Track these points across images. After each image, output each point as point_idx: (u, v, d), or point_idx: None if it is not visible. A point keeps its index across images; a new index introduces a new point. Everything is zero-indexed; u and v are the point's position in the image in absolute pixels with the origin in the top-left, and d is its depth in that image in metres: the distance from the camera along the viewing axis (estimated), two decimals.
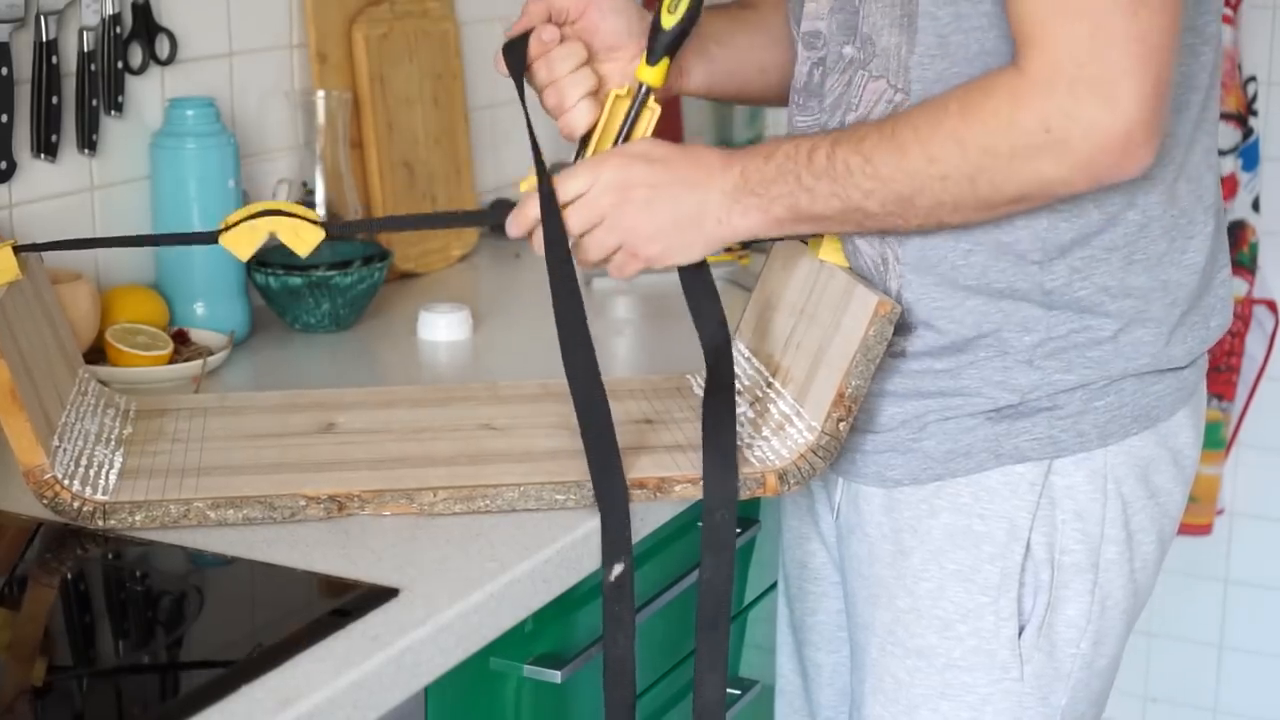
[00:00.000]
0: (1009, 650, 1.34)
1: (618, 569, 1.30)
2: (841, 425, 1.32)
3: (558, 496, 1.33)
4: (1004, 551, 1.33)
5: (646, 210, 1.33)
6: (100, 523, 1.29)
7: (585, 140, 1.41)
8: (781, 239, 1.41)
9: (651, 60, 1.40)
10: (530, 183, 1.38)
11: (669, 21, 1.38)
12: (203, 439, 1.45)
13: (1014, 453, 1.32)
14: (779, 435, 1.38)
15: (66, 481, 1.29)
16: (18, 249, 1.37)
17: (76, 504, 1.29)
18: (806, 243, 1.43)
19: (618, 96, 1.41)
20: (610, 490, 1.30)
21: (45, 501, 1.29)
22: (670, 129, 1.39)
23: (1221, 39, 1.37)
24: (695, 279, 1.37)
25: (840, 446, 1.33)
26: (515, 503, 1.33)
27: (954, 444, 1.33)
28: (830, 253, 1.39)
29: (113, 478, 1.34)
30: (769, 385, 1.44)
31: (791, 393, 1.40)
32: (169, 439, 1.44)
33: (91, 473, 1.33)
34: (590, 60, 1.42)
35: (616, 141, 1.40)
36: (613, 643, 1.31)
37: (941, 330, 1.32)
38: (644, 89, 1.40)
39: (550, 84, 1.41)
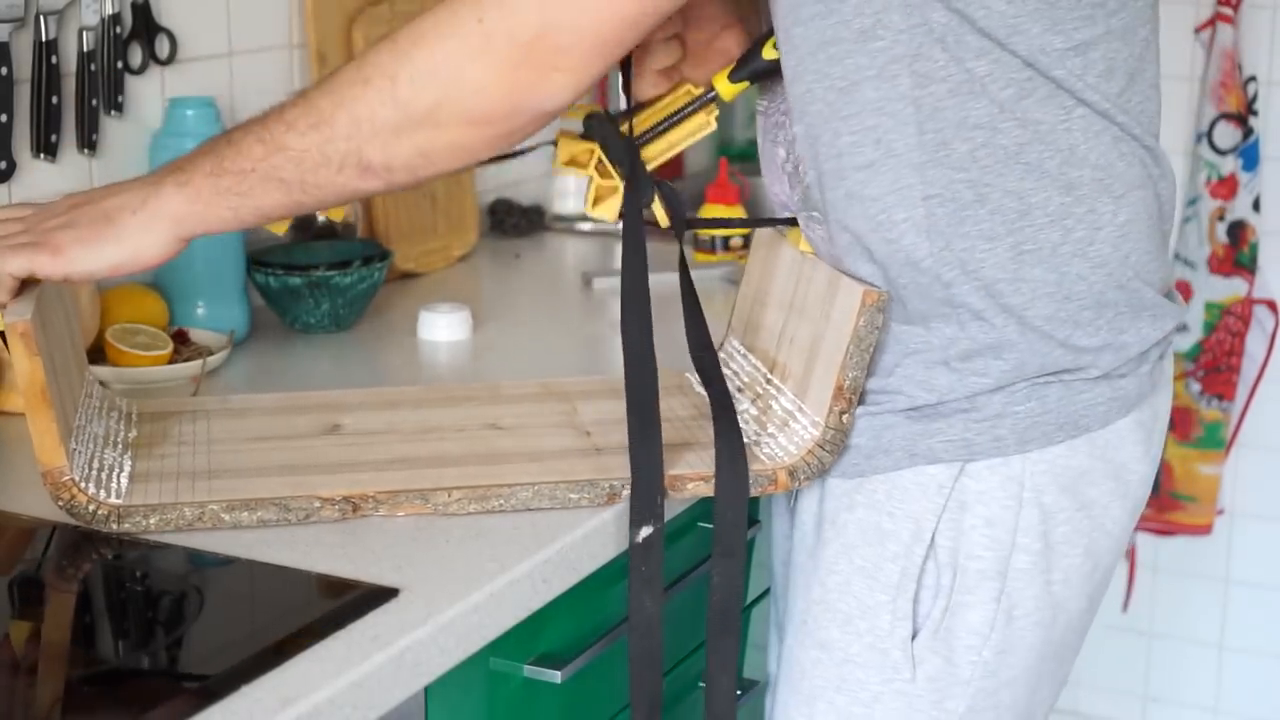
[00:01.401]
0: (901, 651, 1.33)
1: (646, 531, 1.30)
2: (844, 418, 1.32)
3: (572, 495, 1.33)
4: (906, 551, 1.32)
5: (66, 214, 1.31)
6: (115, 526, 1.29)
7: (636, 110, 1.41)
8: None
9: (734, 77, 1.40)
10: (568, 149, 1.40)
11: (770, 54, 1.37)
12: (209, 441, 1.44)
13: (927, 453, 1.31)
14: (785, 432, 1.38)
15: (83, 484, 1.29)
16: None
17: (92, 507, 1.28)
18: (785, 234, 1.43)
19: (689, 90, 1.41)
20: (646, 453, 1.30)
21: (61, 504, 1.28)
22: None
23: (1147, 29, 1.33)
24: (686, 292, 1.37)
25: (845, 438, 1.33)
26: (529, 502, 1.33)
27: (877, 441, 1.33)
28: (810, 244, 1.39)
29: (124, 481, 1.34)
30: (768, 381, 1.44)
31: (791, 388, 1.40)
32: (175, 442, 1.44)
33: (104, 476, 1.33)
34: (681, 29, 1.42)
35: (662, 123, 1.40)
36: (639, 604, 1.31)
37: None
38: (711, 94, 1.40)
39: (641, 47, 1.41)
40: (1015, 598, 1.32)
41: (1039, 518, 1.31)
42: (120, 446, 1.40)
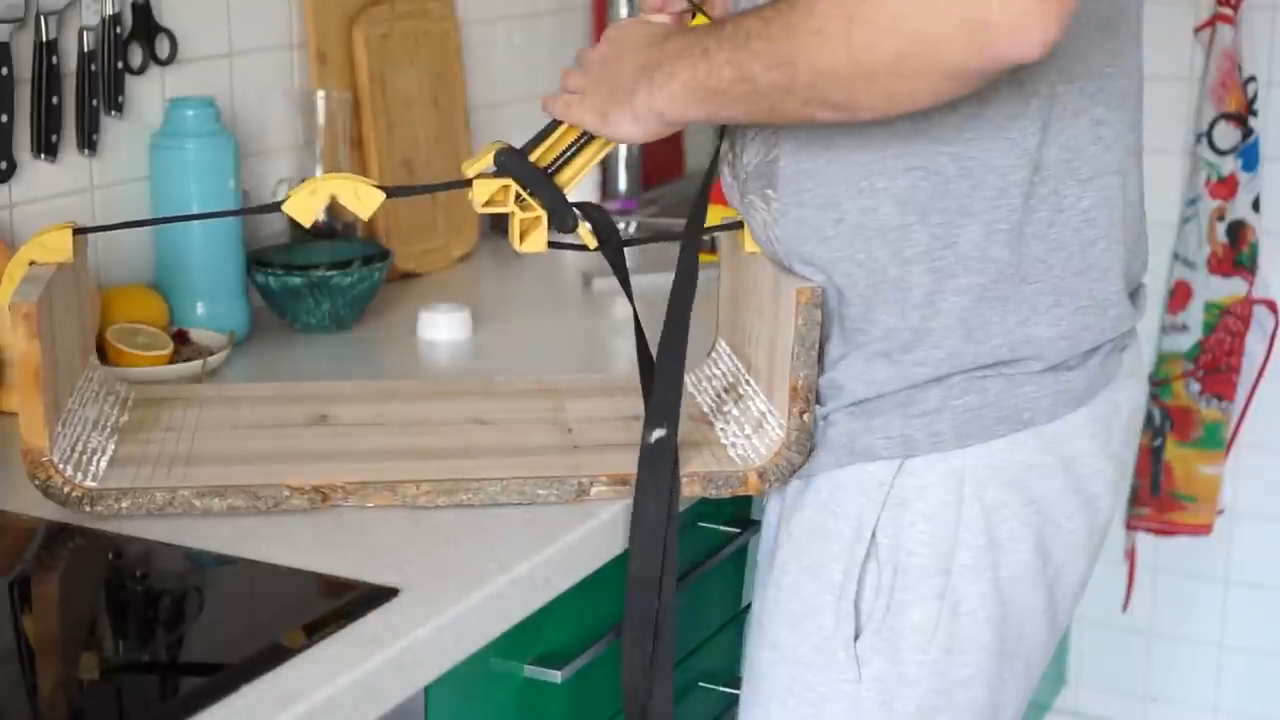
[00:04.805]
0: (845, 651, 1.32)
1: (659, 433, 1.30)
2: (805, 417, 1.33)
3: (540, 491, 1.34)
4: (849, 550, 1.31)
5: (594, 73, 1.36)
6: (87, 508, 1.30)
7: (548, 132, 1.42)
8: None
9: None
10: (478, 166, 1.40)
11: None
12: (196, 428, 1.46)
13: (867, 450, 1.31)
14: (758, 433, 1.39)
15: (61, 466, 1.30)
16: (78, 231, 1.38)
17: (66, 489, 1.30)
18: (736, 235, 1.44)
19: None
20: (670, 356, 1.31)
21: (37, 483, 1.30)
22: None
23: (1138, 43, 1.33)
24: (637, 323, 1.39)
25: (810, 437, 1.33)
26: (497, 496, 1.33)
27: (820, 437, 1.33)
28: (756, 244, 1.39)
29: (103, 465, 1.36)
30: (747, 382, 1.45)
31: (763, 389, 1.41)
32: (163, 428, 1.45)
33: (85, 459, 1.35)
34: None
35: (570, 147, 1.41)
36: (642, 515, 1.30)
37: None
38: None
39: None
40: (960, 594, 1.31)
41: (981, 513, 1.30)
42: (108, 431, 1.42)
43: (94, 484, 1.32)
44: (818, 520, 1.33)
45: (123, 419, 1.46)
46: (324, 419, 1.50)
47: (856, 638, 1.32)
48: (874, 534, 1.31)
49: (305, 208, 1.37)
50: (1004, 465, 1.30)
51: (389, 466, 1.36)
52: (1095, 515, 1.36)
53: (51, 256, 1.37)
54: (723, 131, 1.41)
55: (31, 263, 1.36)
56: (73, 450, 1.34)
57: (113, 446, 1.40)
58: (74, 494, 1.30)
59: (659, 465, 1.30)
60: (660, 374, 1.32)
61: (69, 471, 1.31)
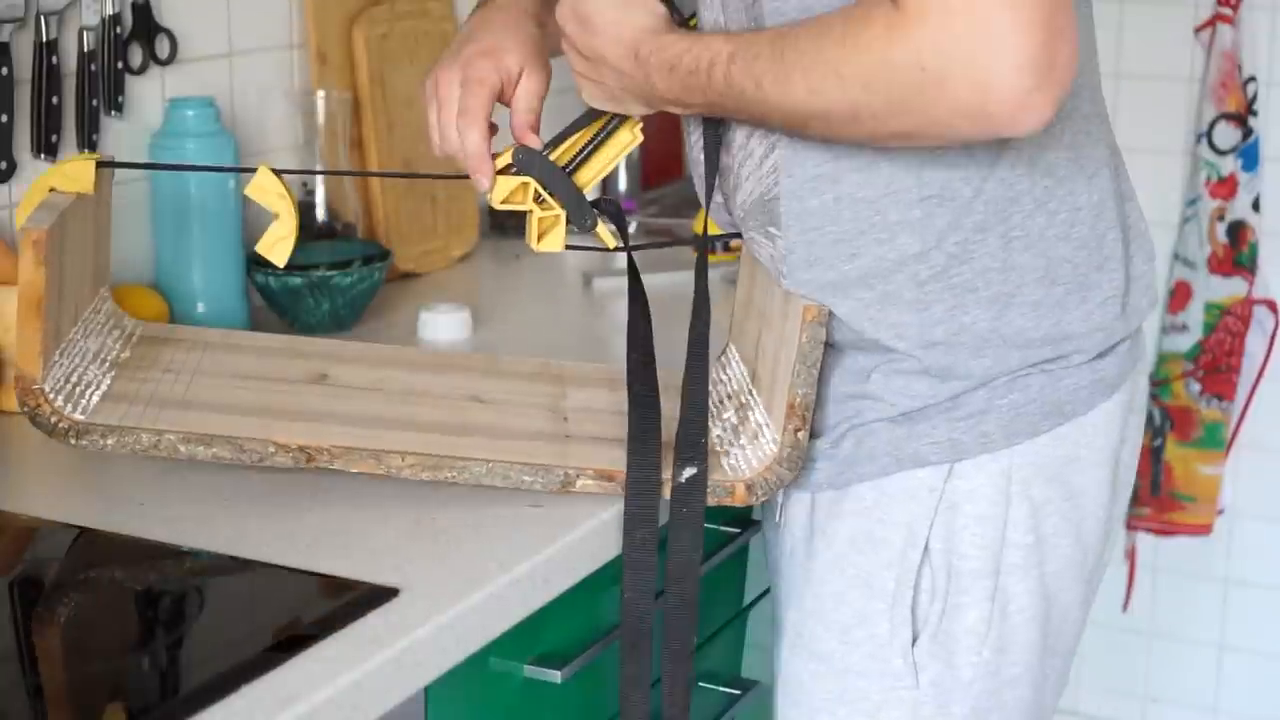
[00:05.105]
0: (903, 658, 1.32)
1: (689, 471, 1.31)
2: (800, 435, 1.32)
3: (525, 478, 1.33)
4: (900, 557, 1.31)
5: (591, 56, 1.33)
6: (72, 441, 1.29)
7: (561, 139, 1.41)
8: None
9: None
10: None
11: None
12: (195, 372, 1.44)
13: (914, 457, 1.30)
14: (754, 444, 1.38)
15: (52, 396, 1.29)
16: (101, 164, 1.38)
17: (54, 419, 1.29)
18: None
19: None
20: (696, 393, 1.32)
21: (25, 410, 1.29)
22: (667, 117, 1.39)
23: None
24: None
25: (803, 455, 1.32)
26: (481, 478, 1.33)
27: (859, 447, 1.32)
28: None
29: (95, 399, 1.35)
30: (750, 391, 1.44)
31: (763, 401, 1.40)
32: (162, 368, 1.44)
33: (78, 391, 1.34)
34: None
35: (587, 146, 1.40)
36: (678, 545, 1.31)
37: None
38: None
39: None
40: (1009, 593, 1.31)
41: (1029, 511, 1.30)
42: (106, 365, 1.41)
43: (82, 417, 1.31)
44: (863, 529, 1.32)
45: (124, 355, 1.44)
46: (324, 378, 1.48)
47: (913, 644, 1.32)
48: (927, 540, 1.30)
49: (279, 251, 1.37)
50: (1047, 461, 1.30)
51: (379, 434, 1.35)
52: (1122, 502, 1.37)
53: (71, 186, 1.36)
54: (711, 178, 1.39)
55: (52, 190, 1.36)
56: (66, 381, 1.33)
57: (108, 382, 1.38)
58: (60, 425, 1.29)
59: (692, 501, 1.31)
60: (687, 407, 1.32)
61: (59, 402, 1.30)
